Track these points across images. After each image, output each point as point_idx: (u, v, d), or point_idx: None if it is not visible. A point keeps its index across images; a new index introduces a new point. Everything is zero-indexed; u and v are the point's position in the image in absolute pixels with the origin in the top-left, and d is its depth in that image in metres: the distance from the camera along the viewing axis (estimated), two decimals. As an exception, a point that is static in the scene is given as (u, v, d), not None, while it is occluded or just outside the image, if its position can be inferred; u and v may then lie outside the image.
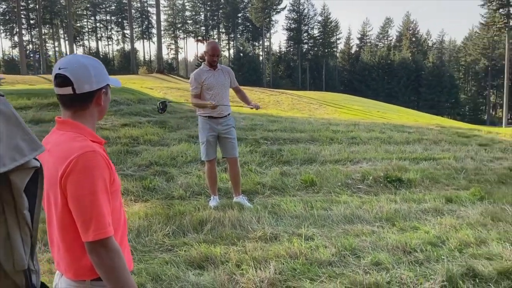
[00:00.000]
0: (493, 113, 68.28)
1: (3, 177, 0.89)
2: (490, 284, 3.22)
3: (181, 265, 3.45)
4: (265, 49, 77.34)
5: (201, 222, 4.35)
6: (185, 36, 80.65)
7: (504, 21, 46.75)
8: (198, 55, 77.99)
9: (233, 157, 5.00)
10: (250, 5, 73.79)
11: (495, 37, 60.71)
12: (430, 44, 78.91)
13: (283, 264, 3.48)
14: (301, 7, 74.15)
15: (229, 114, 4.98)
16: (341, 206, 4.82)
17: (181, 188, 5.34)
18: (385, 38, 78.63)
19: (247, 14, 75.24)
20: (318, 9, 74.90)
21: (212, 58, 4.83)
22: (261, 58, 76.79)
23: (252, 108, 4.95)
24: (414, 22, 76.09)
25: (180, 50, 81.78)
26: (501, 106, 62.10)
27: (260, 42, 77.93)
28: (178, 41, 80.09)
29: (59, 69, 1.46)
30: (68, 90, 1.46)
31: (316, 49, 75.09)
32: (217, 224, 4.32)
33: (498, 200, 5.05)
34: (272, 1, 70.26)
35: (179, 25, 78.21)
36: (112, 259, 1.37)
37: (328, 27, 74.52)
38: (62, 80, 1.46)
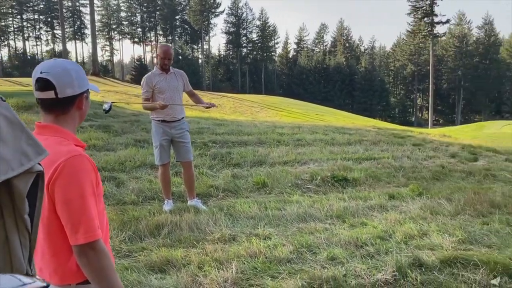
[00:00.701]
0: (420, 115, 73.46)
1: (5, 180, 0.89)
2: (435, 272, 3.52)
3: (142, 270, 3.40)
4: (205, 52, 77.08)
5: (158, 227, 4.30)
6: (120, 37, 78.11)
7: (429, 29, 50.56)
8: (135, 57, 75.87)
9: (187, 161, 4.99)
10: (188, 7, 73.14)
11: (420, 44, 65.41)
12: (362, 50, 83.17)
13: (244, 263, 3.56)
14: (239, 11, 74.85)
15: (182, 118, 4.96)
16: (293, 205, 4.99)
17: (133, 193, 5.22)
18: (320, 43, 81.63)
19: (186, 17, 74.48)
20: (256, 14, 75.90)
21: (163, 61, 4.79)
22: (200, 61, 76.39)
23: (208, 108, 4.96)
24: (348, 28, 79.81)
25: (115, 52, 78.96)
26: (427, 108, 67.00)
27: (199, 45, 77.52)
28: (113, 42, 77.33)
29: (41, 73, 1.44)
30: (50, 94, 1.45)
31: (255, 53, 76.12)
32: (175, 228, 4.29)
33: (434, 195, 5.50)
34: (211, 4, 70.22)
35: (114, 26, 75.54)
36: (101, 261, 1.38)
37: (267, 32, 75.89)
38: (44, 84, 1.44)
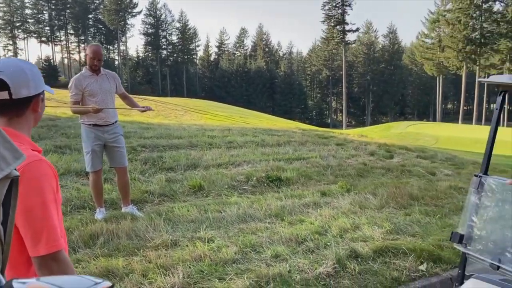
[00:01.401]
0: (335, 117, 77.81)
1: None
2: (369, 261, 3.78)
3: (82, 283, 3.20)
4: (121, 54, 73.98)
5: (92, 236, 4.07)
6: (25, 36, 71.99)
7: (341, 36, 53.80)
8: (43, 58, 70.41)
9: (122, 166, 4.78)
10: (102, 6, 69.69)
11: (333, 50, 69.37)
12: (281, 55, 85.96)
13: (190, 267, 3.51)
14: (158, 12, 73.12)
15: (116, 122, 4.74)
16: (233, 207, 5.02)
17: (60, 203, 4.86)
18: (241, 47, 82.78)
19: (100, 16, 70.91)
20: (176, 16, 74.54)
21: (93, 61, 4.55)
22: (116, 62, 73.18)
23: (143, 111, 4.79)
24: (267, 33, 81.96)
25: (19, 51, 72.51)
26: (341, 111, 71.22)
27: (115, 46, 74.25)
28: (17, 41, 71.03)
29: None
30: (3, 95, 1.33)
31: (175, 55, 74.85)
32: (111, 237, 4.09)
33: (361, 190, 5.89)
34: (127, 4, 67.67)
35: (18, 24, 69.42)
36: (65, 273, 1.31)
37: (187, 34, 75.06)
38: None
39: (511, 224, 1.96)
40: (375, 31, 76.10)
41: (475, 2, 49.13)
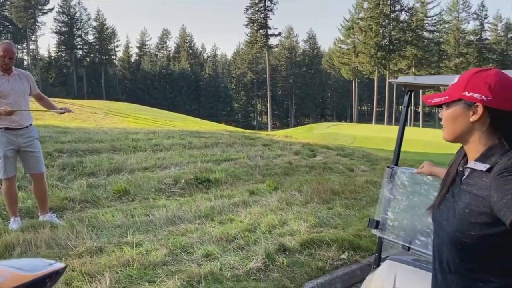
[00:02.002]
0: (260, 119, 79.36)
1: None
2: (296, 254, 3.96)
3: (-2, 299, 2.96)
4: (31, 53, 68.64)
5: (8, 248, 3.77)
6: None
7: (264, 40, 55.04)
8: None
9: (38, 172, 4.47)
10: (9, 2, 64.09)
11: (257, 54, 70.75)
12: (205, 57, 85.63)
13: (118, 273, 3.41)
14: (72, 10, 68.90)
15: (31, 125, 4.43)
16: (161, 210, 4.94)
17: (-33, 215, 4.43)
18: (164, 48, 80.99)
19: (6, 13, 65.10)
20: (92, 14, 70.65)
21: (4, 60, 4.21)
22: (26, 62, 67.69)
23: (62, 113, 4.52)
24: (190, 35, 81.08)
25: None
26: (265, 113, 72.82)
27: (25, 45, 68.67)
28: None
29: None
30: None
31: (92, 55, 71.09)
32: (29, 247, 3.83)
33: (287, 188, 6.12)
34: (37, 0, 62.96)
35: None
36: None
37: (105, 34, 71.69)
38: None
39: (419, 209, 2.21)
40: (296, 36, 79.04)
41: (384, 11, 53.19)
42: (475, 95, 1.25)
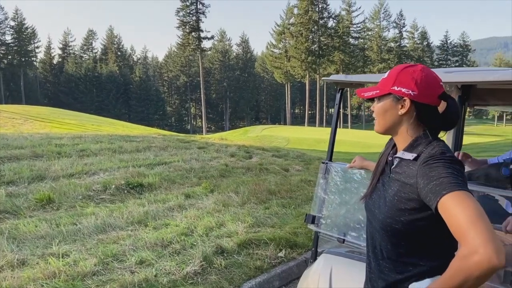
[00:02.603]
0: (194, 123, 78.45)
1: None
2: (234, 255, 3.93)
3: None
4: None
5: None
6: None
7: (196, 43, 54.53)
8: None
9: None
10: None
11: (190, 57, 69.91)
12: (135, 59, 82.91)
13: (43, 286, 3.16)
14: (-14, 8, 63.32)
15: None
16: (89, 218, 4.66)
17: None
18: (90, 50, 77.10)
19: None
20: (9, 13, 65.29)
21: None
22: None
23: None
24: (118, 36, 78.04)
25: None
26: (200, 116, 72.14)
27: None
28: None
29: None
30: None
31: (10, 57, 65.76)
32: None
33: (224, 190, 6.07)
34: None
35: None
36: None
37: (24, 34, 66.70)
38: None
39: (352, 203, 2.27)
40: (229, 39, 79.43)
41: (313, 18, 55.23)
42: (403, 90, 1.31)
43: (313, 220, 2.37)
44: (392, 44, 62.96)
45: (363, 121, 68.70)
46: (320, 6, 56.47)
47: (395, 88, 1.34)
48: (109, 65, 71.11)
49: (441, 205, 1.12)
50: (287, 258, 4.05)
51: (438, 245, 1.30)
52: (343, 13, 61.24)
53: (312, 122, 61.16)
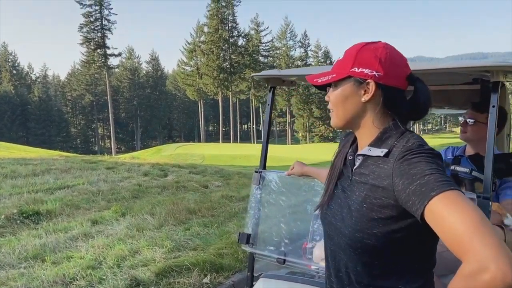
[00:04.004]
0: (102, 144, 74.03)
1: None
2: (152, 287, 3.42)
3: None
4: None
5: None
6: None
7: (102, 60, 51.79)
8: None
9: None
10: None
11: (96, 75, 66.20)
12: (33, 78, 76.40)
13: None
14: None
15: None
16: (-31, 258, 3.80)
17: None
18: (-21, 68, 69.32)
19: None
20: None
21: None
22: None
23: None
24: (13, 54, 71.45)
25: None
26: (108, 137, 68.31)
27: None
28: None
29: None
30: None
31: None
32: None
33: (137, 212, 5.47)
34: None
35: None
36: None
37: None
38: None
39: (293, 216, 1.98)
40: (138, 57, 76.92)
41: (223, 36, 55.94)
42: (365, 71, 1.05)
43: (248, 239, 2.03)
44: (299, 62, 66.00)
45: (275, 136, 70.67)
46: (229, 25, 57.43)
47: (356, 69, 1.06)
48: (3, 85, 64.50)
49: (430, 210, 0.85)
50: (213, 284, 3.64)
51: (420, 262, 1.04)
52: (252, 32, 63.01)
53: (226, 139, 61.35)
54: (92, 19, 51.16)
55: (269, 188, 2.06)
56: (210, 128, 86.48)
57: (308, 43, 68.04)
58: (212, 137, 75.81)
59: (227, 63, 56.90)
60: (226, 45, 56.89)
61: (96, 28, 51.92)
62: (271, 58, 65.09)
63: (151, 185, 7.41)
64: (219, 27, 55.76)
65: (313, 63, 69.01)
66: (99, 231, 4.78)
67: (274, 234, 2.03)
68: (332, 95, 1.12)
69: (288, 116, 64.58)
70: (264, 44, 64.15)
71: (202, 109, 63.50)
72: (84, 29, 51.34)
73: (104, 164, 9.36)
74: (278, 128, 69.96)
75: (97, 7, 50.62)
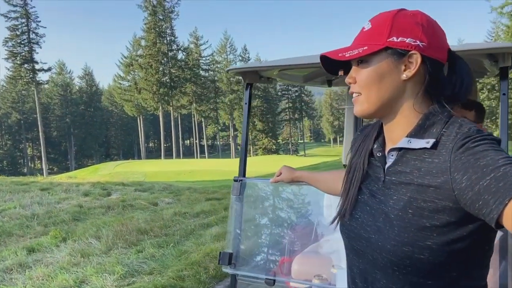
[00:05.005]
0: (32, 165, 69.01)
1: None
2: (106, 320, 2.99)
3: None
4: None
5: None
6: None
7: (31, 76, 48.55)
8: None
9: None
10: None
11: (23, 91, 61.90)
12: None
13: None
14: None
15: None
16: None
17: None
18: None
19: None
20: None
21: None
22: None
23: None
24: None
25: None
26: (39, 157, 63.82)
27: None
28: None
29: None
30: None
31: None
32: None
33: (80, 236, 4.92)
34: None
35: None
36: None
37: None
38: None
39: (281, 227, 1.73)
40: (70, 72, 73.17)
41: (162, 49, 54.89)
42: (407, 40, 0.83)
43: (230, 259, 1.74)
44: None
45: (219, 150, 70.14)
46: (168, 39, 56.52)
47: (394, 39, 0.84)
48: None
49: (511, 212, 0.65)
50: (177, 311, 3.27)
51: (478, 278, 0.84)
52: (192, 46, 62.49)
53: (169, 155, 59.79)
54: (18, 33, 48.02)
55: (251, 198, 1.79)
56: (150, 145, 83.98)
57: (249, 57, 68.86)
58: (153, 154, 73.58)
59: (167, 77, 55.78)
60: (165, 58, 55.83)
61: (23, 42, 48.77)
62: (212, 72, 64.93)
63: (94, 205, 6.79)
64: (157, 41, 54.64)
65: (253, 77, 69.81)
66: (37, 260, 4.20)
67: (260, 250, 1.77)
68: (362, 74, 0.89)
69: (232, 130, 64.49)
70: (204, 58, 63.87)
71: (141, 125, 61.51)
72: (10, 43, 48.00)
73: (37, 185, 8.50)
74: (221, 142, 69.59)
75: (23, 20, 47.65)
